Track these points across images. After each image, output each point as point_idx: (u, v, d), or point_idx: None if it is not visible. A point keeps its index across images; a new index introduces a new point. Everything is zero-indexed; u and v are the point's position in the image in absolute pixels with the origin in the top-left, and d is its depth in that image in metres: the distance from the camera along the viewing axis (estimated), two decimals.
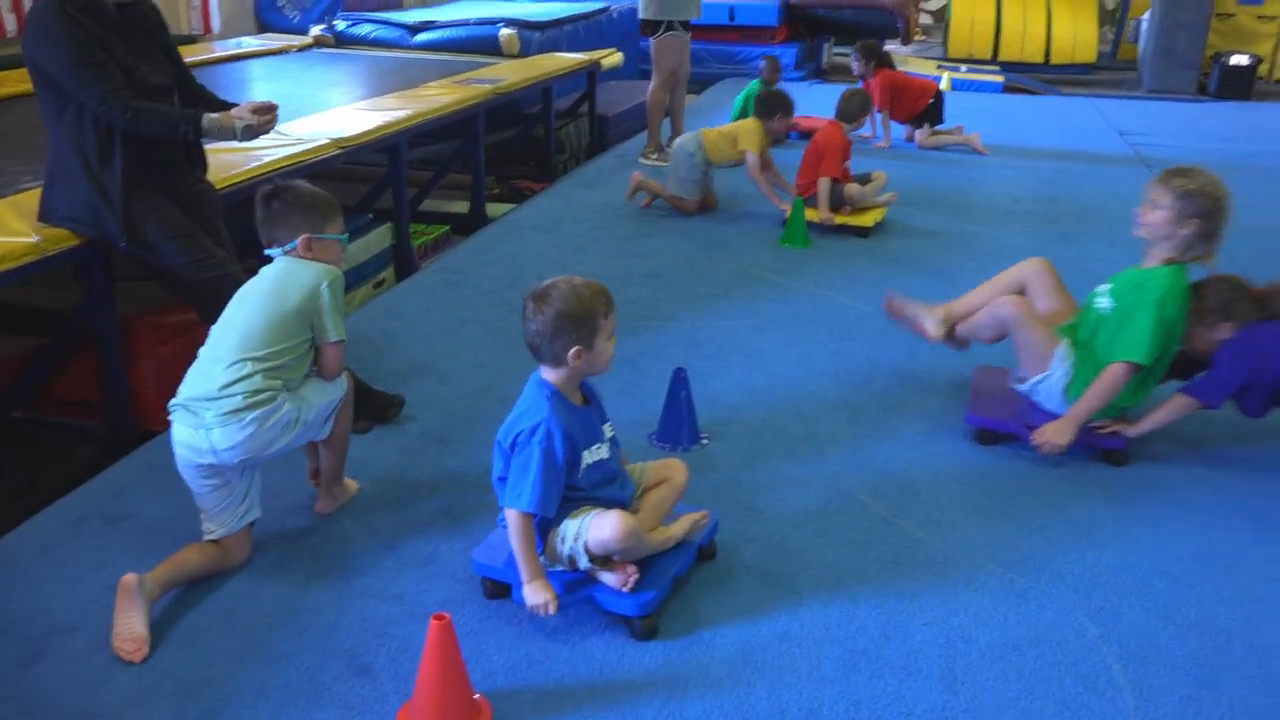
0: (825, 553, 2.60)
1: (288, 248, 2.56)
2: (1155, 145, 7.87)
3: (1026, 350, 3.13)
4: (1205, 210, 2.93)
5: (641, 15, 6.77)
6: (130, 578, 2.25)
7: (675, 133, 6.78)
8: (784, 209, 5.36)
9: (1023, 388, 3.18)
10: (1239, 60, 10.63)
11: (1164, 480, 2.99)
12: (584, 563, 2.26)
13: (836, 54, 12.67)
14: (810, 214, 5.28)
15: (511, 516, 2.20)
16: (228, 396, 2.37)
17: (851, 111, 5.48)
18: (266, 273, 2.56)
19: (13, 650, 2.20)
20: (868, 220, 5.33)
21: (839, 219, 5.31)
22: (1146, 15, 11.67)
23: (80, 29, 2.87)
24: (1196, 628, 2.34)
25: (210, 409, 2.37)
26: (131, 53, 2.99)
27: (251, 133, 3.09)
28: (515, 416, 2.26)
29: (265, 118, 3.11)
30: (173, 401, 2.45)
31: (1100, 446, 3.07)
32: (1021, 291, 3.28)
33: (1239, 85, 10.59)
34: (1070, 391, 3.06)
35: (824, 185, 5.30)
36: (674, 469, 2.48)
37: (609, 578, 2.27)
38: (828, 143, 5.39)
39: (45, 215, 3.14)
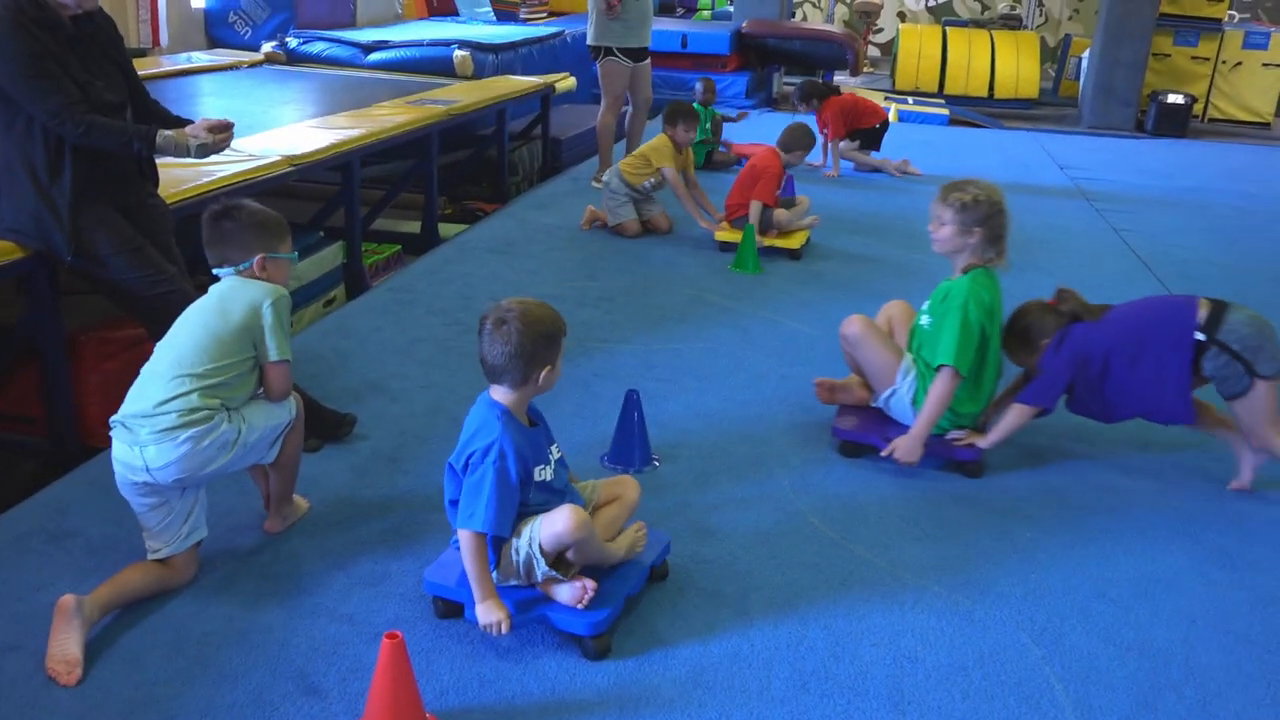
0: (775, 574, 2.63)
1: (241, 267, 2.53)
2: (1094, 179, 8.07)
3: (873, 368, 3.31)
4: (984, 217, 3.11)
5: (587, 41, 6.87)
6: (68, 599, 2.20)
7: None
8: (705, 227, 5.65)
9: (878, 403, 3.33)
10: (1175, 99, 10.95)
11: (1105, 505, 3.06)
12: (541, 567, 2.26)
13: (787, 83, 12.84)
14: (737, 235, 5.44)
15: (465, 537, 2.20)
16: (162, 414, 2.34)
17: (791, 144, 5.58)
18: (214, 290, 2.53)
19: None
20: (794, 242, 5.49)
21: (767, 241, 5.46)
22: (1087, 54, 11.99)
23: (34, 41, 2.83)
24: (1135, 649, 2.40)
25: (145, 426, 2.34)
26: (86, 68, 2.96)
27: (206, 151, 3.07)
28: (467, 438, 2.27)
29: (220, 136, 3.08)
30: (113, 417, 2.42)
31: (956, 458, 3.21)
32: (891, 328, 3.46)
33: (1175, 123, 10.90)
34: (917, 403, 3.20)
35: (755, 209, 5.43)
36: (626, 486, 2.50)
37: (564, 594, 2.27)
38: (765, 169, 5.50)
39: None
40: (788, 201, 5.69)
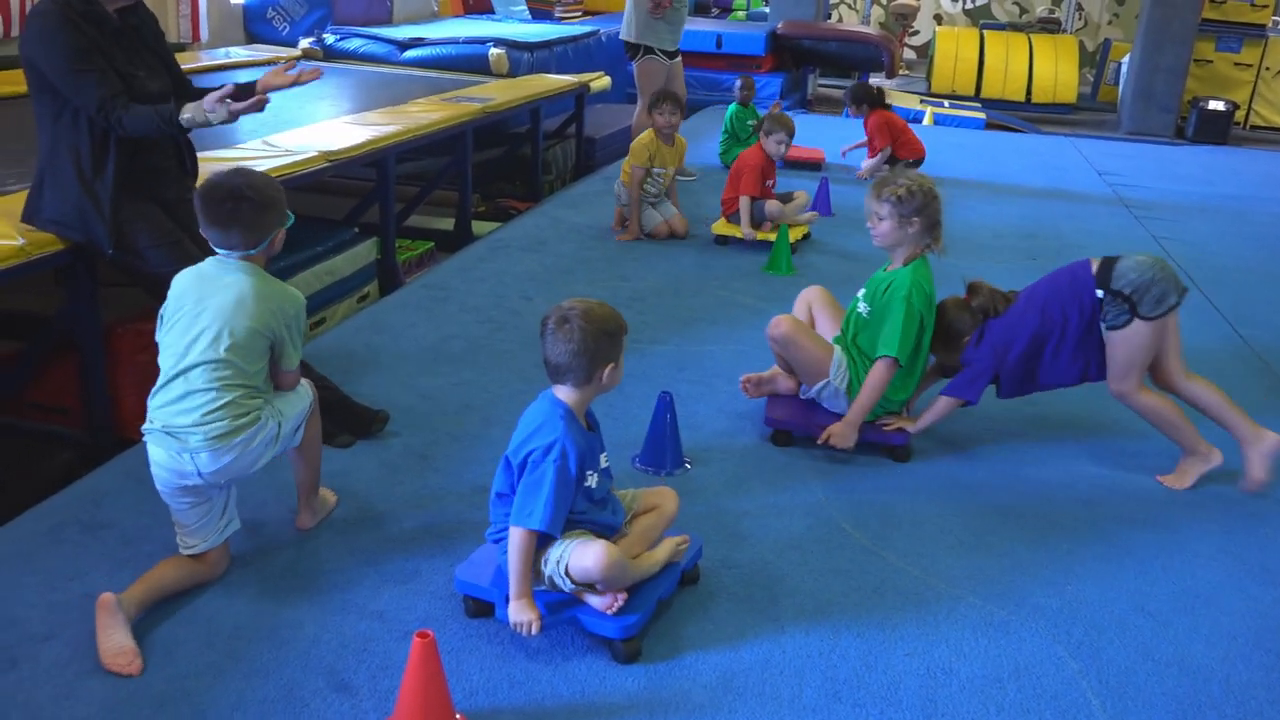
0: (807, 580, 2.60)
1: (253, 251, 2.41)
2: (1133, 186, 7.98)
3: (804, 365, 3.37)
4: (920, 206, 3.19)
5: (621, 36, 6.86)
6: (108, 597, 2.21)
7: None
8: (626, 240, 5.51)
9: (809, 394, 3.39)
10: (1216, 106, 10.81)
11: (1143, 516, 3.01)
12: (566, 586, 2.26)
13: (822, 85, 12.79)
14: (734, 230, 5.52)
15: (516, 534, 2.19)
16: (215, 422, 2.31)
17: (769, 128, 5.58)
18: (227, 284, 2.37)
19: None
20: (790, 237, 5.42)
21: (760, 235, 5.48)
22: (1126, 58, 11.86)
23: (80, 35, 2.85)
24: (1174, 665, 2.36)
25: (196, 434, 2.31)
26: (130, 60, 2.98)
27: (234, 115, 2.98)
28: (528, 434, 2.25)
29: (241, 105, 2.96)
30: (147, 425, 2.37)
31: (886, 443, 3.29)
32: (811, 314, 3.58)
33: (1215, 130, 10.76)
34: (850, 392, 3.29)
35: (744, 203, 5.49)
36: (665, 497, 2.49)
37: (595, 600, 2.26)
38: (746, 162, 5.57)
39: (30, 216, 3.11)
40: (784, 196, 5.69)
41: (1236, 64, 11.64)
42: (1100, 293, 3.13)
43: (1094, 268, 3.18)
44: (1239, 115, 11.50)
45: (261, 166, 4.05)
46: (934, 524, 2.91)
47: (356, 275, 4.86)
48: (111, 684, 2.10)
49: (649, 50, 6.71)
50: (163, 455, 2.35)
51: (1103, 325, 3.15)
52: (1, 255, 2.96)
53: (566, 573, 2.23)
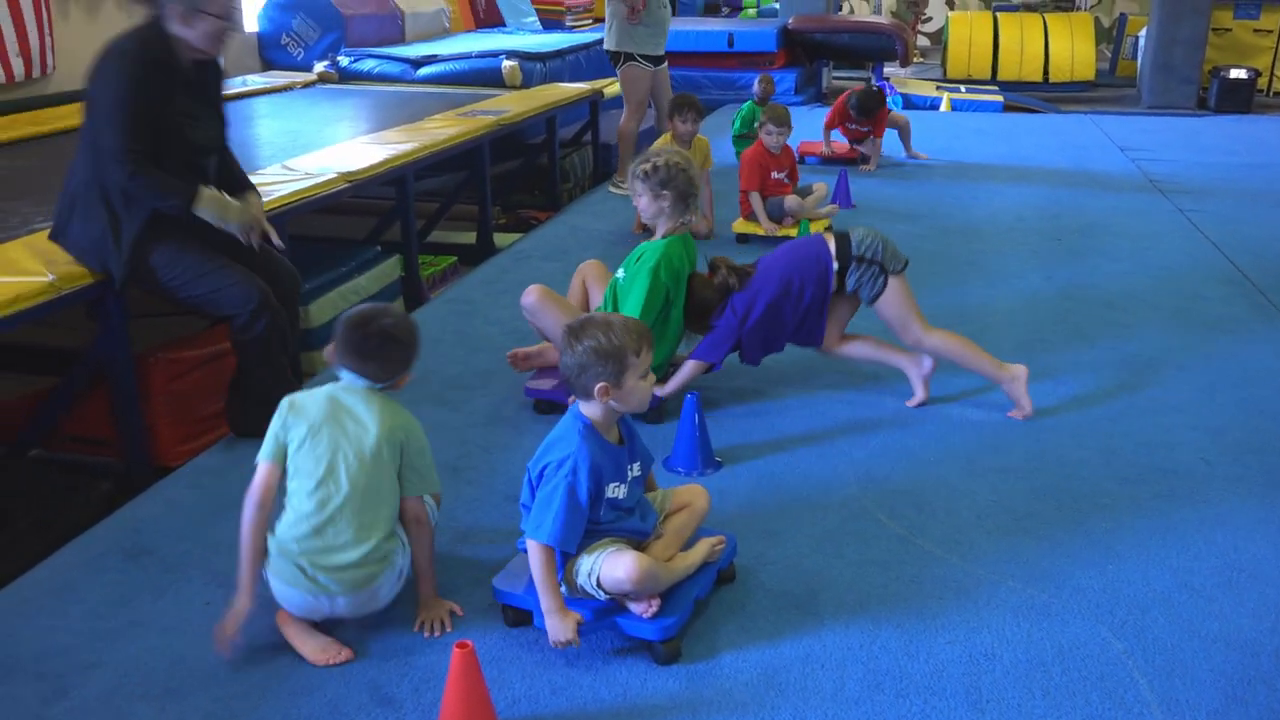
0: (844, 573, 2.59)
1: (383, 385, 2.34)
2: (1157, 160, 7.89)
3: (554, 331, 3.43)
4: (666, 179, 3.38)
5: (604, 47, 6.87)
6: (281, 613, 2.30)
7: None
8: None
9: None
10: (1237, 74, 10.68)
11: (1183, 493, 2.98)
12: (600, 597, 2.26)
13: (836, 78, 12.75)
14: (754, 227, 5.55)
15: (532, 546, 2.19)
16: (358, 568, 2.27)
17: (760, 119, 5.68)
18: (358, 408, 2.30)
19: (34, 688, 2.19)
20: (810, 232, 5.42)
21: (781, 231, 5.48)
22: (1144, 32, 11.74)
23: (141, 83, 2.91)
24: (1221, 641, 2.33)
25: (335, 580, 2.25)
26: (194, 105, 3.04)
27: (243, 231, 3.16)
28: (546, 445, 2.27)
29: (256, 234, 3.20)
30: (283, 554, 2.26)
31: None
32: (585, 286, 3.73)
33: (1238, 99, 10.63)
34: None
35: (755, 200, 5.53)
36: (696, 494, 2.48)
37: (630, 605, 2.26)
38: (742, 158, 5.64)
39: (56, 234, 3.17)
40: (804, 190, 5.69)
41: (1256, 31, 11.49)
42: (836, 265, 3.39)
43: (830, 243, 3.42)
44: (1261, 82, 11.35)
45: (282, 190, 4.10)
46: (970, 510, 2.89)
47: (382, 293, 4.89)
48: (159, 708, 2.13)
49: (630, 57, 6.71)
50: (295, 595, 2.27)
51: (864, 300, 3.44)
52: (32, 291, 3.01)
53: (599, 584, 2.23)
